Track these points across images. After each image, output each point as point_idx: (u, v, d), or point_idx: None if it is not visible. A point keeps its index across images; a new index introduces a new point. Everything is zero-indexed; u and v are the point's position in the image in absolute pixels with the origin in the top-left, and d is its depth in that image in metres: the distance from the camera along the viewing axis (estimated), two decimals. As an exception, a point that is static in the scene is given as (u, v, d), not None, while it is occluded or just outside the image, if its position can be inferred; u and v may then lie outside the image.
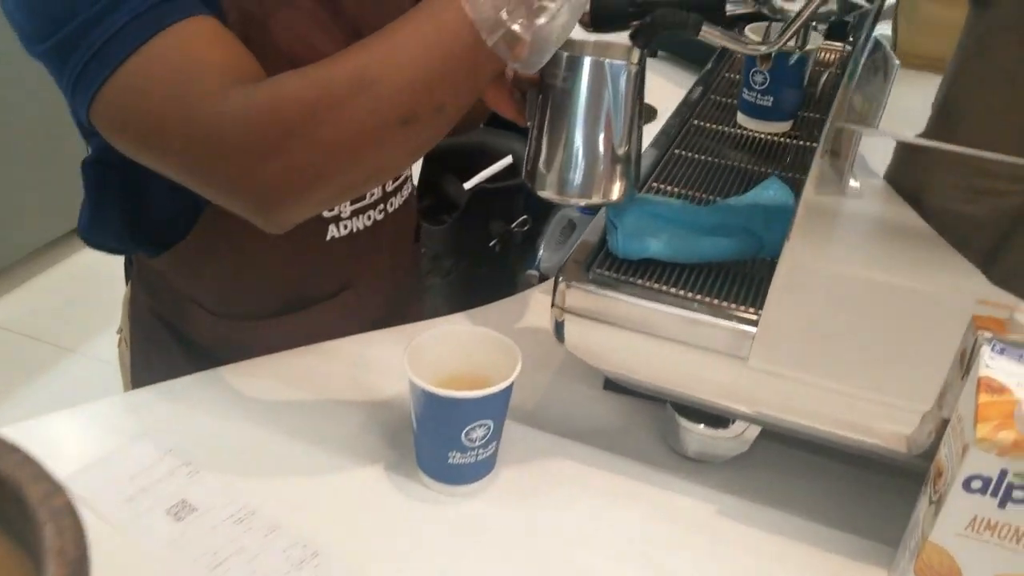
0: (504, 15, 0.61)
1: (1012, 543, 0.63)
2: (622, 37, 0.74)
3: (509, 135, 1.75)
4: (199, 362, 0.93)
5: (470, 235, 1.61)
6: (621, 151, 0.75)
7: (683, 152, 1.02)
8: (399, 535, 0.78)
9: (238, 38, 0.71)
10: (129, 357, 1.01)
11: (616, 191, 0.77)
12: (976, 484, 0.62)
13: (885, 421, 0.74)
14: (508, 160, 1.68)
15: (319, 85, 0.64)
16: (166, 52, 0.65)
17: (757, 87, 1.06)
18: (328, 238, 0.92)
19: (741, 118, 1.11)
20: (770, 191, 0.88)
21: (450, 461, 0.78)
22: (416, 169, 1.74)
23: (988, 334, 0.64)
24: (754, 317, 0.75)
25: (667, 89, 1.75)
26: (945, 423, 0.69)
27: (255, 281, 0.94)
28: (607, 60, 0.72)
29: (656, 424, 0.90)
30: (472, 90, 0.67)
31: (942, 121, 0.69)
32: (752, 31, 1.07)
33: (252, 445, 0.85)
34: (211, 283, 0.91)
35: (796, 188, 0.97)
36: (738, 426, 0.82)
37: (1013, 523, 0.62)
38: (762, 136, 1.08)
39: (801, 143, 1.08)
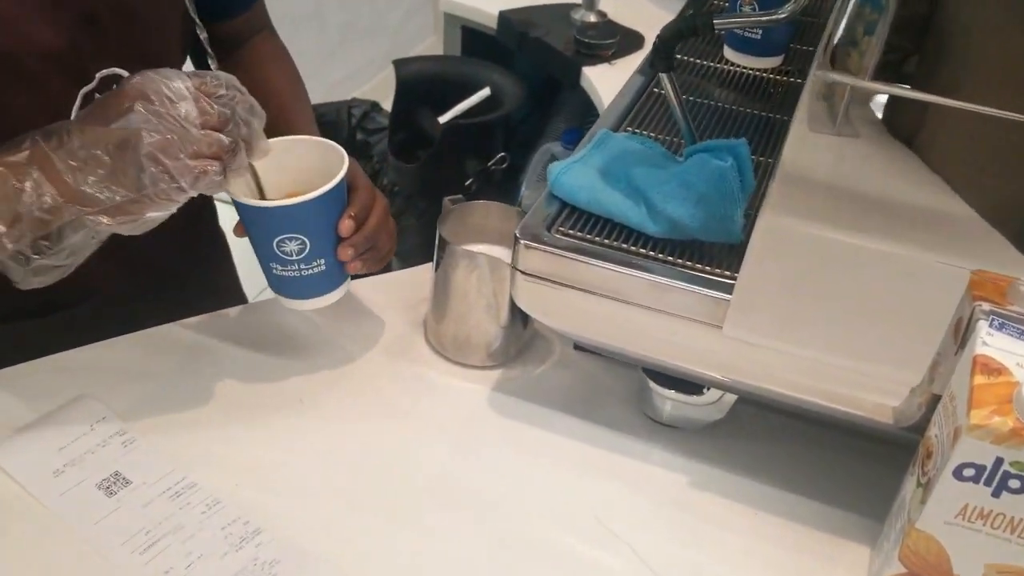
0: None
1: (1006, 533, 0.58)
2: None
3: (488, 65, 1.66)
4: None
5: (445, 173, 1.52)
6: None
7: (662, 91, 0.94)
8: (346, 513, 0.73)
9: None
10: None
11: None
12: (968, 472, 0.56)
13: (871, 392, 0.68)
14: (486, 92, 1.59)
15: None
16: None
17: (745, 18, 0.97)
18: None
19: (728, 52, 1.02)
20: (720, 161, 0.71)
21: (274, 272, 0.78)
22: (388, 102, 1.65)
23: (987, 307, 0.58)
24: (730, 281, 0.68)
25: (653, 14, 1.65)
26: (936, 398, 0.63)
27: None
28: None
29: (629, 386, 0.84)
30: None
31: (935, 43, 0.61)
32: None
33: (194, 412, 0.79)
34: None
35: (782, 131, 0.90)
36: (714, 392, 0.77)
37: (1008, 513, 0.57)
38: (750, 72, 1.00)
39: (791, 80, 0.99)
